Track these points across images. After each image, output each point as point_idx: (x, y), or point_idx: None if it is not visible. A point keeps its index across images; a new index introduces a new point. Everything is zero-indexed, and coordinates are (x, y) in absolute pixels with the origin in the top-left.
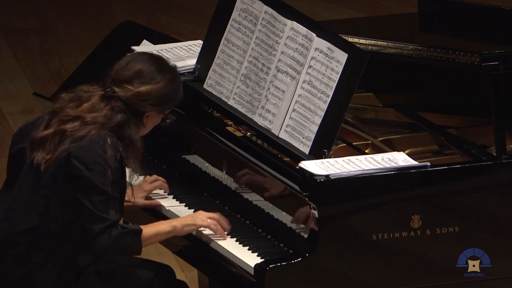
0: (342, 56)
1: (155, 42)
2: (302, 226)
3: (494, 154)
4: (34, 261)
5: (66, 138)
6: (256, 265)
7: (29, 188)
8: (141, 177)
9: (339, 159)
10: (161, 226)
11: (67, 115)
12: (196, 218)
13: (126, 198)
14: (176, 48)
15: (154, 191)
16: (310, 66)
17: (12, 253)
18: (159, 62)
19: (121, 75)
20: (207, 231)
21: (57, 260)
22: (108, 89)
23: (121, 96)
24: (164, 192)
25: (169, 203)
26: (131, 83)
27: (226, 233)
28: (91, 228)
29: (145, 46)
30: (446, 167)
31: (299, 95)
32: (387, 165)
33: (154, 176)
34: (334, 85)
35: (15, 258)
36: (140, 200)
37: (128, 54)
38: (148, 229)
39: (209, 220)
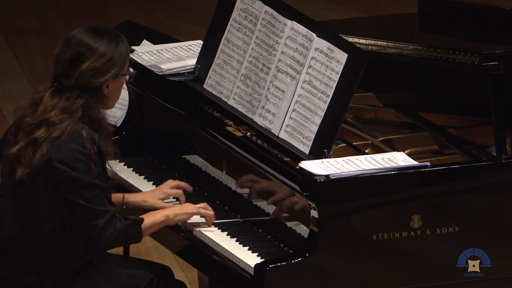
0: (342, 56)
1: (155, 42)
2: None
3: (494, 154)
4: (25, 264)
5: (41, 144)
6: (256, 265)
7: (12, 193)
8: (149, 183)
9: (339, 159)
10: (156, 216)
11: (30, 125)
12: (186, 207)
13: (142, 199)
14: (176, 48)
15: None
16: (310, 66)
17: (2, 259)
18: (89, 32)
19: (61, 65)
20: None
21: (49, 261)
22: (55, 83)
23: (68, 84)
24: (180, 203)
25: (169, 204)
26: (73, 68)
27: (214, 222)
28: (94, 224)
29: (145, 46)
30: (446, 167)
31: (299, 95)
32: (387, 165)
33: (177, 182)
34: (334, 85)
35: (6, 264)
36: (158, 202)
37: (59, 42)
38: (146, 220)
39: (198, 206)
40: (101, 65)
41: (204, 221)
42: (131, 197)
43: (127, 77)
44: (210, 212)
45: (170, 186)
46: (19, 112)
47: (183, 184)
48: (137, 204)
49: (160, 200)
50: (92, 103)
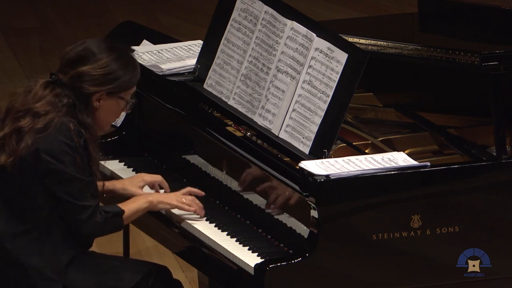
0: (342, 56)
1: (155, 42)
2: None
3: (494, 154)
4: (19, 253)
5: (25, 135)
6: (256, 265)
7: (2, 186)
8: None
9: (339, 159)
10: (139, 203)
11: (18, 111)
12: (172, 197)
13: (122, 187)
14: (176, 48)
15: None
16: (310, 66)
17: None
18: (104, 42)
19: (65, 60)
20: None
21: (44, 248)
22: (53, 76)
23: (62, 79)
24: (165, 191)
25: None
26: (72, 66)
27: (199, 215)
28: (76, 218)
29: (145, 46)
30: (446, 167)
31: (299, 95)
32: (387, 165)
33: (158, 176)
34: (334, 85)
35: (4, 250)
36: (137, 190)
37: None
38: (128, 207)
39: (183, 200)
40: (98, 75)
41: (191, 213)
42: (111, 185)
43: (126, 105)
44: (194, 208)
45: (150, 175)
46: (12, 98)
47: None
48: (117, 192)
49: (139, 188)
50: (81, 108)
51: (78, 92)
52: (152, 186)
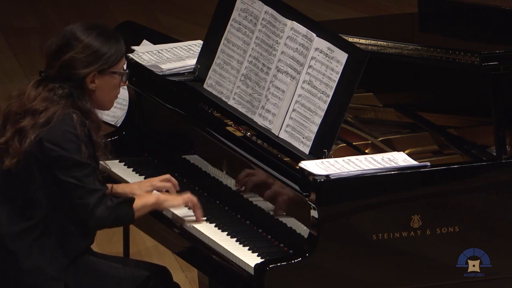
0: (342, 56)
1: (155, 42)
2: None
3: (494, 154)
4: (21, 252)
5: (28, 132)
6: (256, 265)
7: (3, 183)
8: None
9: (339, 159)
10: (147, 198)
11: (15, 114)
12: (177, 196)
13: (130, 191)
14: (176, 48)
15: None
16: (310, 66)
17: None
18: (81, 25)
19: (49, 54)
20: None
21: (45, 247)
22: (42, 73)
23: (52, 73)
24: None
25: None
26: (57, 57)
27: (203, 216)
28: (86, 202)
29: (145, 46)
30: (446, 167)
31: (299, 95)
32: (387, 165)
33: (168, 176)
34: (334, 85)
35: (5, 251)
36: (145, 195)
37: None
38: (137, 200)
39: (186, 197)
40: (83, 57)
41: (191, 213)
42: (119, 188)
43: (123, 78)
44: (197, 204)
45: (159, 179)
46: (9, 103)
47: (173, 179)
48: (124, 196)
49: (147, 193)
50: (78, 94)
51: (70, 79)
52: (160, 191)
